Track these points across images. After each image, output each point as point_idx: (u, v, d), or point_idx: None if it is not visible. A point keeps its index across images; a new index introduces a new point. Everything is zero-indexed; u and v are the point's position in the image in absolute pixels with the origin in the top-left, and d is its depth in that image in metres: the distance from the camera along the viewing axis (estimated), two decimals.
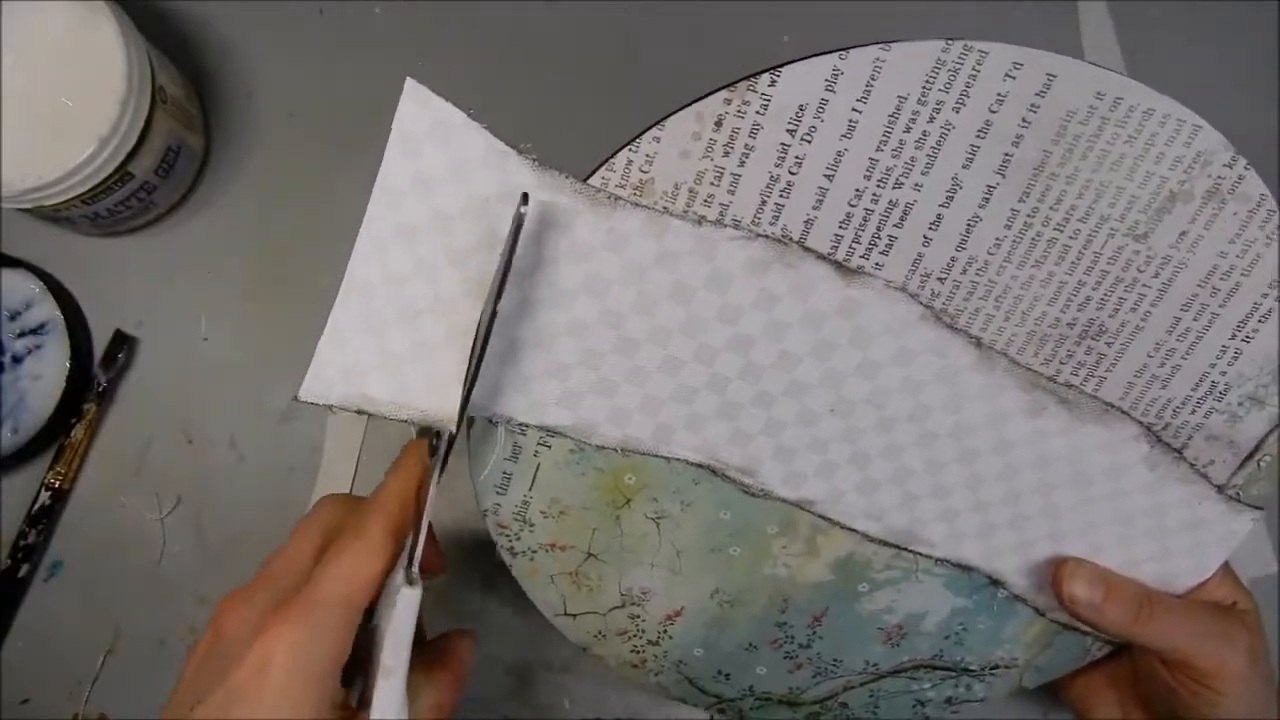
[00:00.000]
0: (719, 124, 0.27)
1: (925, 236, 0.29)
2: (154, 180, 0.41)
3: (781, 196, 0.28)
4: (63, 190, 0.37)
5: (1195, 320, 0.30)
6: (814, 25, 0.47)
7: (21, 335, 0.42)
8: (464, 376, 0.27)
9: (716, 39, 0.46)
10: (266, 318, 0.44)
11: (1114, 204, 0.29)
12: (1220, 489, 0.33)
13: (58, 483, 0.42)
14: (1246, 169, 0.29)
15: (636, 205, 0.27)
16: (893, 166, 0.28)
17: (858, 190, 0.28)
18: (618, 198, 0.27)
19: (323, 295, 0.45)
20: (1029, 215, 0.29)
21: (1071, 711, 0.40)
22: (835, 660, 0.37)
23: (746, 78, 0.26)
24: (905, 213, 0.28)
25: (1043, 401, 0.31)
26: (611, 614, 0.36)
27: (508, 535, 0.33)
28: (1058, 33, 0.47)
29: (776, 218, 0.28)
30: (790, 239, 0.28)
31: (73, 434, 0.42)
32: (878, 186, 0.28)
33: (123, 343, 0.43)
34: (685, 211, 0.28)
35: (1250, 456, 0.33)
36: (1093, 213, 0.29)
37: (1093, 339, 0.31)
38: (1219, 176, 0.29)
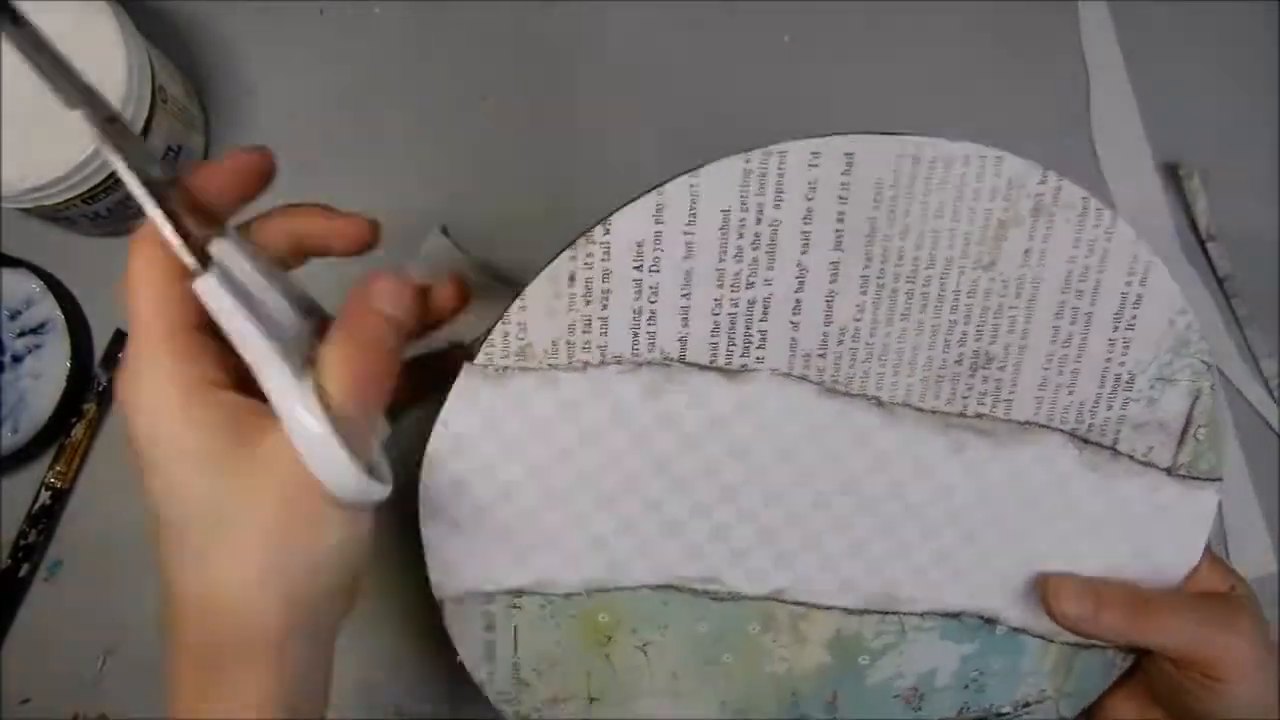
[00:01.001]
0: (572, 279, 0.29)
1: (792, 322, 0.31)
2: None
3: (650, 324, 0.30)
4: (63, 190, 0.37)
5: (1073, 325, 0.32)
6: (814, 25, 0.47)
7: (21, 335, 0.42)
8: None
9: (717, 39, 0.46)
10: None
11: (952, 245, 0.30)
12: (1169, 472, 0.34)
13: (58, 483, 0.42)
14: (1060, 179, 0.30)
15: (524, 369, 0.30)
16: (739, 271, 0.30)
17: (716, 300, 0.30)
18: (505, 367, 0.30)
19: (322, 295, 0.45)
20: (879, 277, 0.30)
21: None
22: None
23: (582, 234, 0.29)
24: (766, 307, 0.30)
25: (961, 439, 0.33)
26: None
27: (509, 700, 0.34)
28: (1058, 33, 0.47)
29: (653, 344, 0.30)
30: (671, 359, 0.31)
31: (73, 434, 0.42)
32: (732, 291, 0.30)
33: (123, 343, 0.43)
34: (569, 363, 0.30)
35: (1185, 433, 0.33)
36: (936, 258, 0.30)
37: (984, 368, 0.32)
38: (1037, 194, 0.30)
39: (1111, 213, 0.31)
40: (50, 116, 0.37)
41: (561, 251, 0.29)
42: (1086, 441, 0.33)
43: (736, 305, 0.30)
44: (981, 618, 0.35)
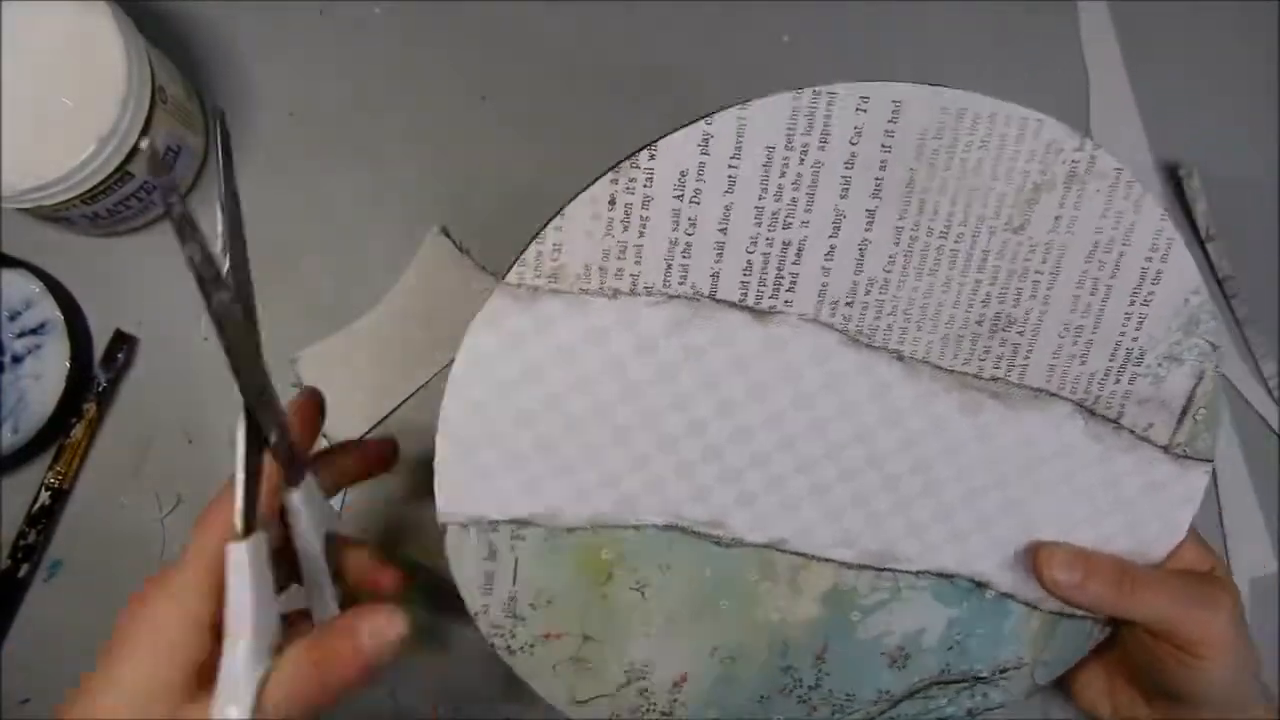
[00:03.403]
0: (613, 203, 0.29)
1: (824, 267, 0.31)
2: (154, 180, 0.41)
3: (684, 257, 0.30)
4: (63, 190, 0.37)
5: (1093, 295, 0.32)
6: (814, 25, 0.47)
7: (21, 335, 0.42)
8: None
9: (717, 39, 0.46)
10: (266, 317, 0.44)
11: (985, 204, 0.31)
12: (1166, 449, 0.34)
13: (58, 483, 0.42)
14: (1096, 149, 0.31)
15: (555, 291, 0.30)
16: (778, 210, 0.30)
17: (752, 238, 0.30)
18: (536, 288, 0.30)
19: (322, 295, 0.45)
20: (913, 229, 0.31)
21: (1065, 698, 0.40)
22: (848, 695, 0.37)
23: (628, 157, 0.29)
24: (800, 249, 0.31)
25: (976, 400, 0.33)
26: (621, 693, 0.36)
27: (502, 634, 0.34)
28: (1058, 33, 0.47)
29: (684, 277, 0.31)
30: (701, 295, 0.31)
31: (73, 434, 0.42)
32: (769, 230, 0.30)
33: (123, 343, 0.43)
34: (600, 289, 0.30)
35: (1185, 412, 0.34)
36: (970, 216, 0.31)
37: (1003, 330, 0.32)
38: (1073, 160, 0.31)
39: (1141, 186, 0.31)
40: (50, 116, 0.37)
41: (604, 174, 0.29)
42: (1093, 413, 0.34)
43: (771, 245, 0.31)
44: (974, 581, 0.36)
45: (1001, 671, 0.38)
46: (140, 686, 0.26)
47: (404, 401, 0.44)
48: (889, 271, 0.31)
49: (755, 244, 0.30)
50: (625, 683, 0.36)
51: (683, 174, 0.29)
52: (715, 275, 0.31)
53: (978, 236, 0.31)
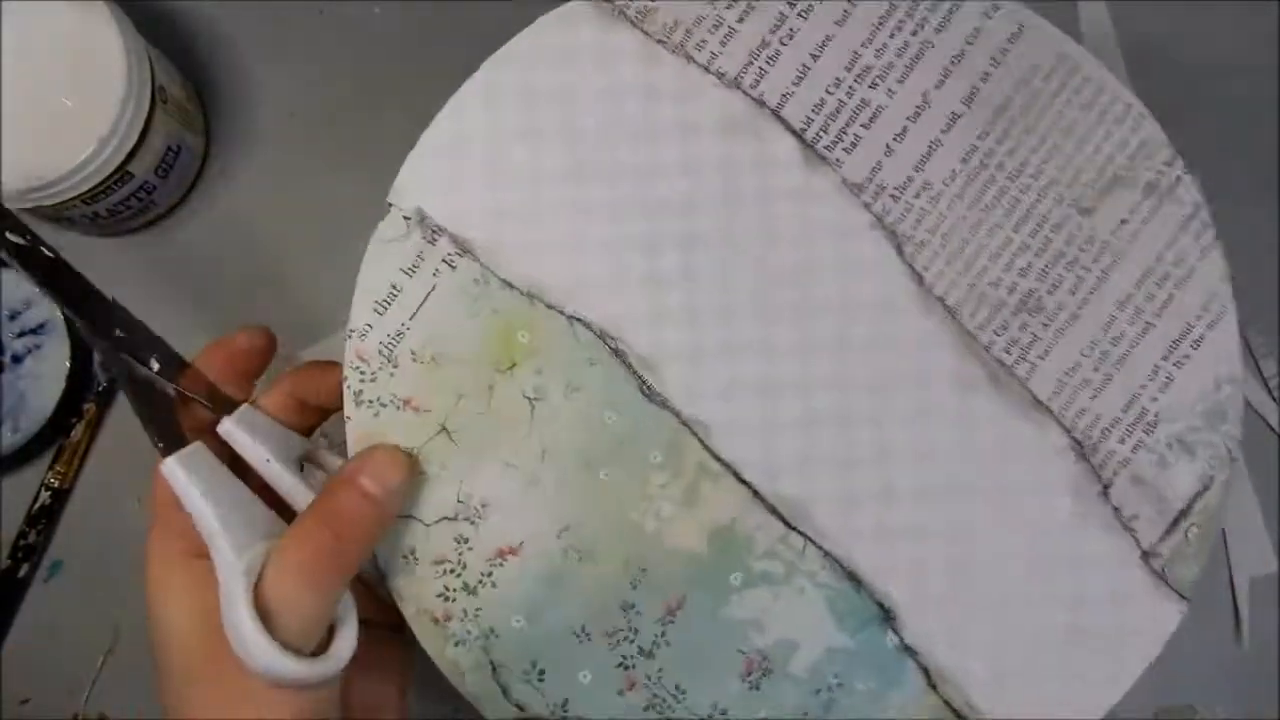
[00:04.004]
0: None
1: (888, 145, 0.29)
2: (154, 180, 0.41)
3: (768, 63, 0.29)
4: (63, 190, 0.37)
5: (1130, 325, 0.30)
6: None
7: (21, 335, 0.42)
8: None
9: None
10: (266, 318, 0.44)
11: (1063, 169, 0.30)
12: (1145, 555, 0.30)
13: (58, 483, 0.42)
14: (1184, 173, 0.30)
15: (635, 26, 0.29)
16: (871, 65, 0.29)
17: (837, 79, 0.29)
18: (623, 13, 0.29)
19: (322, 295, 0.45)
20: (985, 155, 0.30)
21: None
22: (678, 688, 0.29)
23: None
24: (875, 115, 0.29)
25: (973, 374, 0.29)
26: (437, 526, 0.29)
27: (363, 373, 0.29)
28: None
29: (758, 82, 0.29)
30: (767, 105, 0.29)
31: (73, 434, 0.42)
32: (855, 81, 0.29)
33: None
34: (677, 48, 0.29)
35: (1179, 519, 0.30)
36: (1044, 172, 0.30)
37: (1030, 314, 0.29)
38: (1159, 172, 0.30)
39: (1213, 234, 0.30)
40: (50, 116, 0.37)
41: None
42: (1087, 461, 0.29)
43: (850, 96, 0.29)
44: (881, 607, 0.29)
45: None
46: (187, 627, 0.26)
47: None
48: (946, 185, 0.29)
49: (837, 86, 0.29)
50: (450, 516, 0.29)
51: None
52: (786, 95, 0.29)
53: (1043, 198, 0.29)
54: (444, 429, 0.29)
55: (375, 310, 0.29)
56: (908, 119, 0.29)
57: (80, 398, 0.42)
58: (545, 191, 0.29)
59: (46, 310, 0.42)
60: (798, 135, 0.29)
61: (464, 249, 0.29)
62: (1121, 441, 0.30)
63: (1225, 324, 0.30)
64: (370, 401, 0.29)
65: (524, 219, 0.29)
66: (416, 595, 0.29)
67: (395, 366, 0.29)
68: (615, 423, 0.29)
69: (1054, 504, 0.29)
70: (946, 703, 0.30)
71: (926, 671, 0.30)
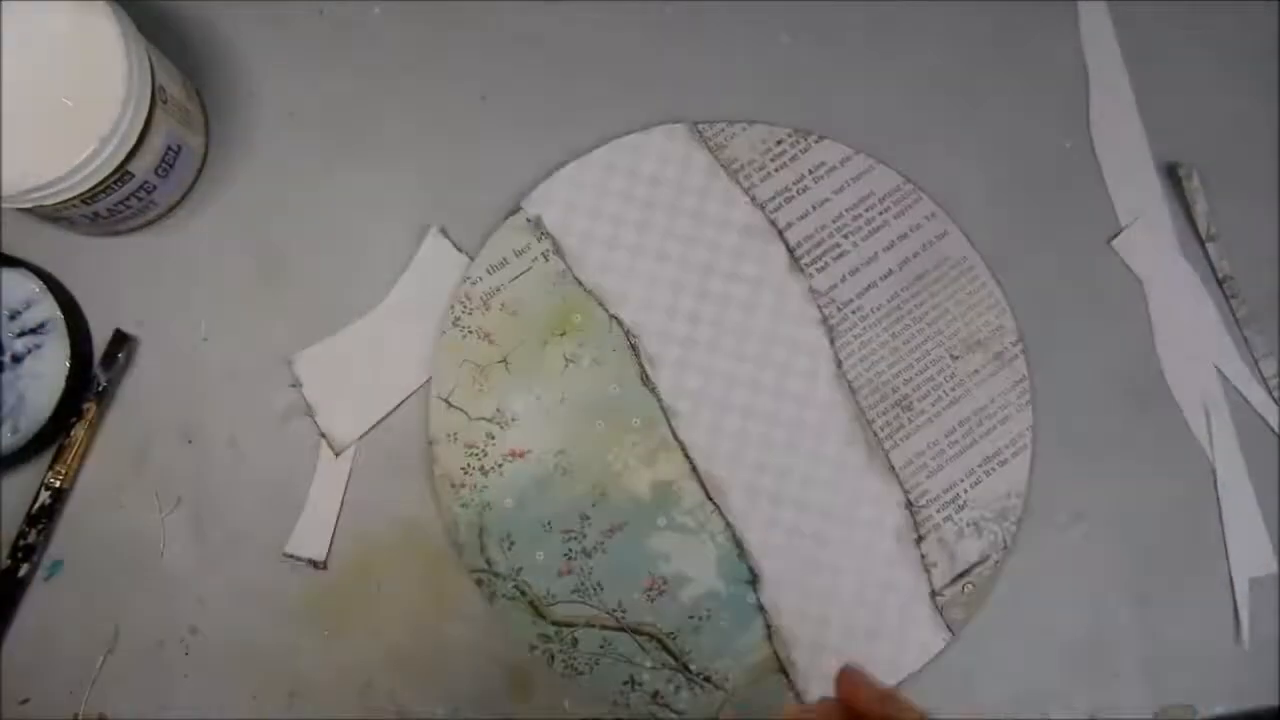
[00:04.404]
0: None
1: (844, 275, 0.44)
2: (154, 180, 0.41)
3: (785, 201, 0.45)
4: (63, 190, 0.37)
5: (963, 437, 0.43)
6: (814, 25, 0.47)
7: (21, 335, 0.42)
8: None
9: (716, 39, 0.46)
10: (266, 318, 0.44)
11: (947, 326, 0.44)
12: (932, 594, 0.42)
13: (58, 483, 0.42)
14: (1021, 353, 0.44)
15: (711, 152, 0.45)
16: (847, 225, 0.45)
17: (824, 225, 0.45)
18: (705, 141, 0.45)
19: (322, 295, 0.45)
20: (901, 302, 0.44)
21: None
22: (599, 584, 0.42)
23: None
24: (841, 254, 0.44)
25: (856, 436, 0.43)
26: (476, 422, 0.43)
27: (464, 307, 0.43)
28: (1058, 33, 0.47)
29: (776, 211, 0.45)
30: (776, 225, 0.45)
31: (73, 434, 0.42)
32: (835, 230, 0.44)
33: (123, 343, 0.43)
34: (733, 174, 0.45)
35: (960, 577, 0.42)
36: (935, 324, 0.44)
37: (902, 409, 0.43)
38: (1006, 347, 0.44)
39: (1029, 397, 0.43)
40: (50, 116, 0.37)
41: None
42: (912, 516, 0.43)
43: (830, 238, 0.44)
44: (752, 571, 0.42)
45: (705, 678, 0.41)
46: None
47: (403, 402, 0.44)
48: (873, 312, 0.44)
49: (823, 230, 0.44)
50: (487, 418, 0.43)
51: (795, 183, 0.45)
52: (790, 224, 0.44)
53: (929, 340, 0.44)
54: (505, 360, 0.43)
55: (488, 270, 0.44)
56: (861, 264, 0.44)
57: (80, 398, 0.42)
58: (620, 233, 0.44)
59: (47, 310, 0.42)
60: (790, 250, 0.44)
61: (558, 251, 0.44)
62: (938, 511, 0.43)
63: (1023, 457, 0.43)
64: (464, 328, 0.43)
65: (602, 246, 0.44)
66: (446, 463, 0.43)
67: (487, 309, 0.43)
68: (617, 393, 0.43)
69: (884, 540, 0.43)
70: (775, 653, 0.42)
71: (769, 627, 0.42)
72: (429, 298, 0.44)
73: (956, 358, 0.43)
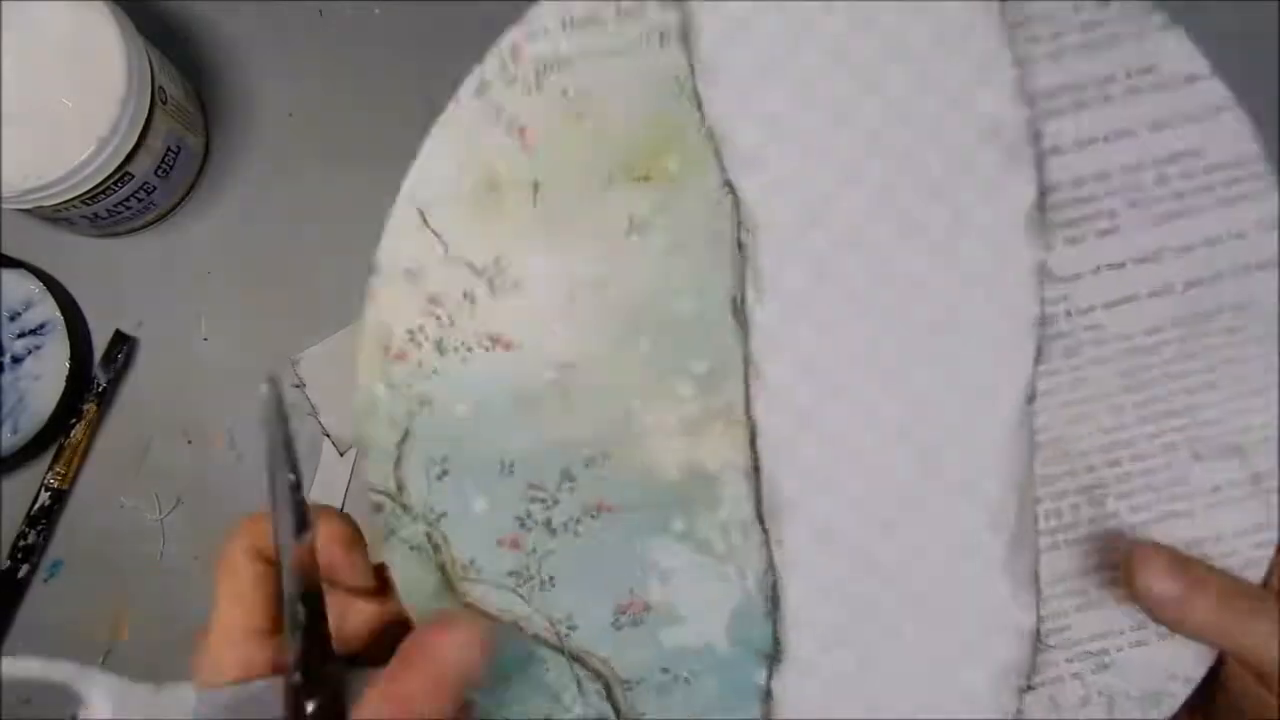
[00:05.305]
0: None
1: (1101, 266, 0.26)
2: (154, 180, 0.41)
3: (1077, 110, 0.27)
4: (63, 190, 0.37)
5: None
6: None
7: (21, 335, 0.42)
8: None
9: None
10: (266, 318, 0.44)
11: (1208, 409, 0.27)
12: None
13: (57, 483, 0.42)
14: None
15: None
16: (1142, 190, 0.27)
17: (1101, 174, 0.26)
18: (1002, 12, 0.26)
19: (322, 294, 0.45)
20: (1163, 342, 0.27)
21: None
22: (551, 579, 0.27)
23: None
24: (1112, 229, 0.26)
25: (1007, 511, 0.28)
26: (455, 267, 0.27)
27: (503, 70, 0.28)
28: None
29: (1053, 117, 0.27)
30: (1042, 142, 0.27)
31: (73, 434, 0.42)
32: (1123, 202, 0.27)
33: (123, 343, 0.43)
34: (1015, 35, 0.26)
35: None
36: (1193, 397, 0.27)
37: (1090, 500, 0.27)
38: (1270, 469, 0.28)
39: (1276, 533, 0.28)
40: (50, 116, 0.37)
41: None
42: (1034, 650, 0.28)
43: (1108, 203, 0.26)
44: (777, 644, 0.27)
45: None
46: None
47: None
48: (1120, 343, 0.26)
49: (1106, 180, 0.26)
50: (477, 267, 0.27)
51: None
52: (1063, 148, 0.27)
53: (1173, 418, 0.27)
54: (536, 184, 0.27)
55: (563, 23, 0.26)
56: (1132, 258, 0.26)
57: (80, 398, 0.42)
58: (795, 57, 0.26)
59: (47, 310, 0.42)
60: (1042, 192, 0.26)
61: (685, 38, 0.26)
62: (1069, 661, 0.28)
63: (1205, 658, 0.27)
64: (493, 105, 0.28)
65: (758, 64, 0.26)
66: (387, 311, 0.26)
67: (539, 89, 0.27)
68: (688, 309, 0.26)
69: (976, 672, 0.28)
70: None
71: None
72: None
73: (1200, 459, 0.27)
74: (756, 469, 0.27)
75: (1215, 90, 0.29)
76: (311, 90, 0.45)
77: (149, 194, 0.41)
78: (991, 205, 0.26)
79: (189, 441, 0.43)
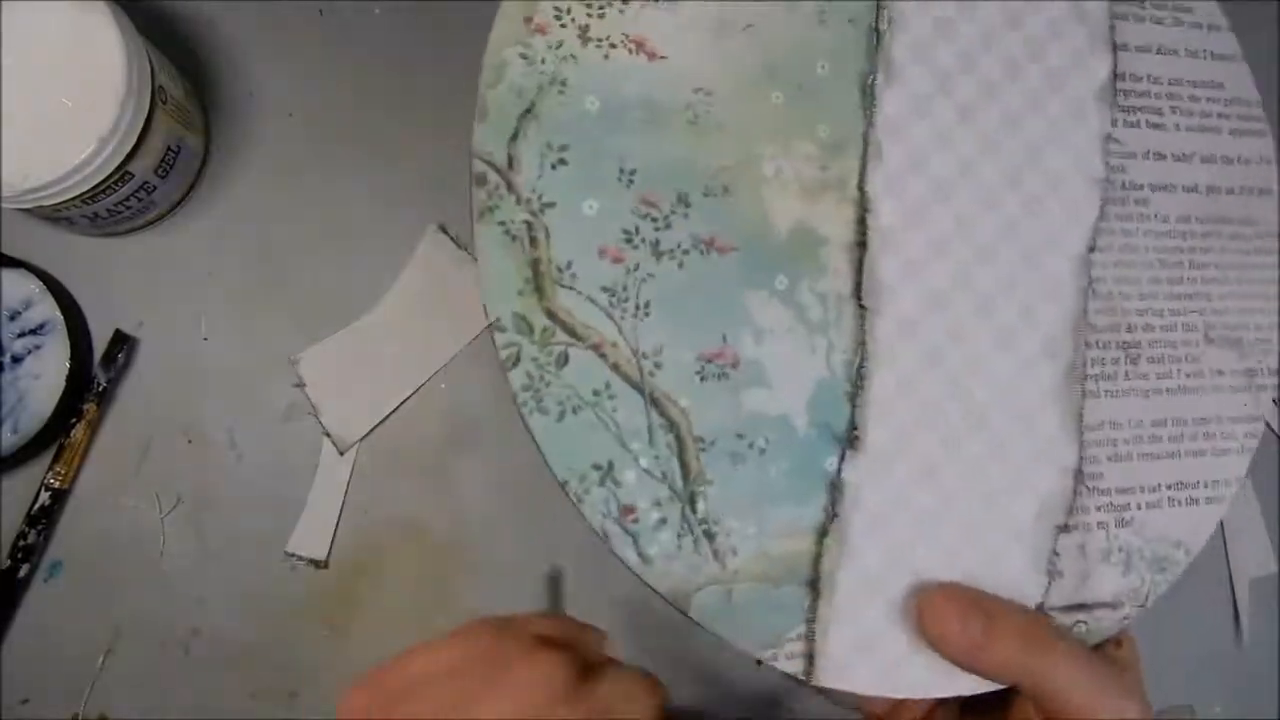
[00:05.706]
0: None
1: (1151, 152, 0.32)
2: (154, 180, 0.41)
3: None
4: (63, 190, 0.37)
5: (1170, 440, 0.31)
6: None
7: (21, 335, 0.42)
8: None
9: None
10: (266, 318, 0.44)
11: (1220, 300, 0.32)
12: (1040, 607, 0.29)
13: (58, 483, 0.42)
14: (1276, 391, 0.33)
15: None
16: (1183, 102, 0.33)
17: (1154, 77, 0.33)
18: None
19: (322, 294, 0.45)
20: (1190, 231, 0.32)
21: None
22: (646, 305, 0.27)
23: None
24: (1159, 124, 0.32)
25: (1063, 346, 0.30)
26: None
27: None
28: None
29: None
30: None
31: (73, 434, 0.42)
32: (1170, 106, 0.33)
33: (123, 343, 0.43)
34: None
35: (1076, 608, 0.30)
36: (1209, 286, 0.32)
37: (1127, 357, 0.31)
38: (1261, 370, 0.33)
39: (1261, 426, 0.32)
40: (50, 116, 0.37)
41: None
42: (1074, 488, 0.30)
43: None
44: (853, 429, 0.28)
45: (706, 532, 0.27)
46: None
47: (405, 401, 0.44)
48: (1158, 215, 0.32)
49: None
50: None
51: None
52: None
53: (1195, 300, 0.32)
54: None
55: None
56: (1174, 153, 0.32)
57: (80, 398, 0.42)
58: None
59: (47, 310, 0.42)
60: (1115, 75, 0.31)
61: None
62: (1099, 511, 0.30)
63: (1215, 509, 0.31)
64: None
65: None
66: None
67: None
68: (824, 74, 0.28)
69: (1023, 503, 0.29)
70: (815, 561, 0.27)
71: (829, 517, 0.28)
72: (429, 295, 0.44)
73: (1210, 341, 0.31)
74: (863, 243, 0.28)
75: (1231, 42, 0.35)
76: (311, 90, 0.45)
77: (149, 193, 0.41)
78: (1074, 72, 0.31)
79: (189, 441, 0.43)
